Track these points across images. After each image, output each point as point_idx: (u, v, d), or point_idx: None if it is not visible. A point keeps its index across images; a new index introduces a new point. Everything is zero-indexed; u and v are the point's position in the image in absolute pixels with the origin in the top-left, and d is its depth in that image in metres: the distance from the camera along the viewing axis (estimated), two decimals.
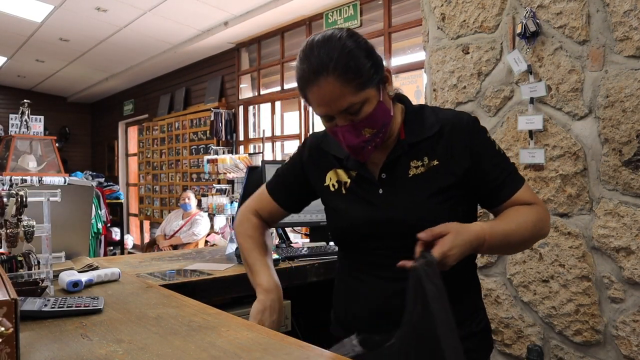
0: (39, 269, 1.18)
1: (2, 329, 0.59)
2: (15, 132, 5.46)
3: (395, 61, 4.09)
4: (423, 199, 1.03)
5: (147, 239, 7.56)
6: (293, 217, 2.01)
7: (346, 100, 0.95)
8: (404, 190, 1.04)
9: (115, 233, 6.62)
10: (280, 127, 5.40)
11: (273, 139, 5.40)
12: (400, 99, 1.11)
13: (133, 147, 8.70)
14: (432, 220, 0.96)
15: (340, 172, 1.12)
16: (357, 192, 1.09)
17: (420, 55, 3.80)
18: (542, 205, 1.07)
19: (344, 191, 1.10)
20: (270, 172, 1.99)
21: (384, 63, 1.03)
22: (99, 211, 5.53)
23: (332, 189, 1.13)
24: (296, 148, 1.26)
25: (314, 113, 1.04)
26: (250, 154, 5.23)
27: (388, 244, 1.04)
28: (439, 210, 1.02)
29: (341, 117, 0.98)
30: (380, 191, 1.06)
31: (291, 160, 1.25)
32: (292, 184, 1.22)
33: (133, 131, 8.70)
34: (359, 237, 1.08)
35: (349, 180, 1.10)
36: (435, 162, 1.04)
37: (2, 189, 1.15)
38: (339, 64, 0.94)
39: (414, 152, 1.05)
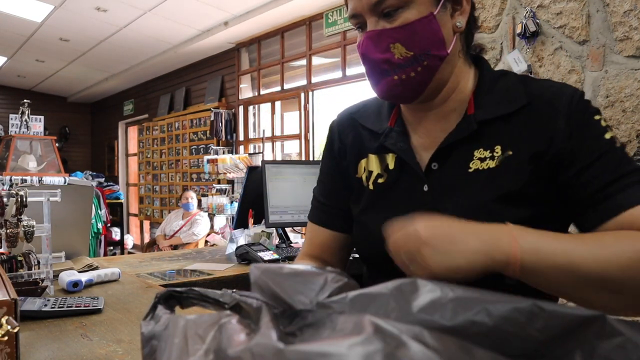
0: (39, 269, 1.17)
1: (9, 327, 0.59)
2: (15, 132, 5.45)
3: None
4: (474, 207, 0.70)
5: (147, 239, 7.56)
6: (293, 217, 2.01)
7: None
8: (458, 191, 0.73)
9: (115, 233, 6.62)
10: (280, 127, 5.40)
11: (273, 139, 5.40)
12: (477, 60, 0.79)
13: (133, 147, 8.70)
14: None
15: (373, 158, 0.81)
16: (394, 190, 0.78)
17: None
18: None
19: (371, 186, 0.81)
20: (270, 172, 1.98)
21: None
22: (99, 211, 5.52)
23: (364, 183, 0.82)
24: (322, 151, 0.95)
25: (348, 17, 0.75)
26: (250, 154, 5.23)
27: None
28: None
29: (372, 18, 0.71)
30: (426, 188, 0.74)
31: (321, 166, 0.92)
32: (334, 193, 0.89)
33: (133, 131, 8.70)
34: (386, 257, 0.65)
35: (384, 173, 0.79)
36: (510, 152, 0.71)
37: (2, 189, 1.15)
38: None
39: (483, 135, 0.72)
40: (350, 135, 0.86)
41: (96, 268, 1.42)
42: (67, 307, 1.00)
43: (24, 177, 4.40)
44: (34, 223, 1.14)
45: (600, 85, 1.59)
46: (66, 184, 2.18)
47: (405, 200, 0.76)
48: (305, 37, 4.87)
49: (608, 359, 0.35)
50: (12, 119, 5.52)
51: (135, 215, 8.33)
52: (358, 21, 0.73)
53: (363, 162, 0.83)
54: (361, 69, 4.39)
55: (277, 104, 5.41)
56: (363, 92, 4.58)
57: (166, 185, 7.04)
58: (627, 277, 0.56)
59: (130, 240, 7.34)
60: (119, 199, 7.21)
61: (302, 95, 4.93)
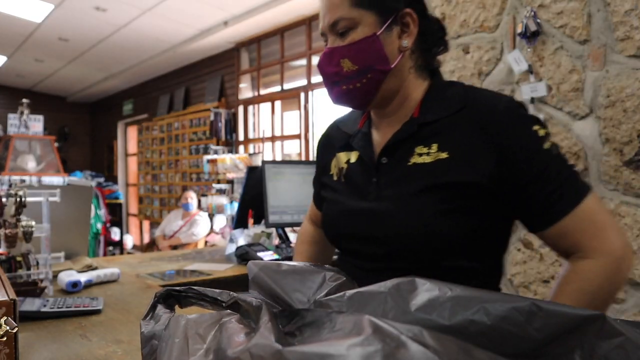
0: (38, 269, 1.17)
1: (8, 328, 0.59)
2: (15, 132, 5.45)
3: None
4: (410, 194, 0.81)
5: (146, 239, 7.55)
6: (293, 217, 2.01)
7: (338, 12, 0.81)
8: (397, 181, 0.83)
9: (115, 233, 6.61)
10: (280, 127, 5.40)
11: (273, 139, 5.40)
12: (432, 74, 0.90)
13: (132, 147, 8.69)
14: (420, 226, 0.78)
15: (342, 155, 0.94)
16: (352, 180, 0.90)
17: None
18: (611, 254, 0.74)
19: (342, 179, 0.93)
20: (270, 172, 1.98)
21: (411, 10, 0.84)
22: (98, 211, 5.52)
23: (334, 178, 0.95)
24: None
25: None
26: (250, 154, 5.23)
27: (370, 249, 0.84)
28: (430, 214, 0.78)
29: (331, 37, 0.84)
30: (374, 179, 0.86)
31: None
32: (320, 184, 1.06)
33: (132, 131, 8.70)
34: (340, 235, 0.91)
35: (345, 166, 0.93)
36: (445, 155, 0.80)
37: (1, 189, 1.15)
38: None
39: (424, 135, 0.83)
40: (331, 140, 1.01)
41: (95, 268, 1.42)
42: (66, 307, 1.00)
43: (23, 177, 4.40)
44: (33, 223, 1.13)
45: (601, 85, 1.59)
46: (65, 184, 2.17)
47: (359, 190, 0.88)
48: (305, 36, 4.86)
49: (608, 359, 0.35)
50: (11, 118, 5.51)
51: (135, 215, 8.33)
52: (325, 39, 0.87)
53: (334, 160, 0.96)
54: None
55: (277, 103, 5.41)
56: None
57: (166, 186, 7.04)
58: (598, 306, 0.73)
59: (129, 241, 7.34)
60: (118, 199, 7.21)
61: (302, 95, 4.93)
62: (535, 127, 0.78)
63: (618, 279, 0.75)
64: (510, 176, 0.77)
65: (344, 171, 0.92)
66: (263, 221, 2.01)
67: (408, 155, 0.83)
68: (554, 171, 0.76)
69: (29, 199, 1.14)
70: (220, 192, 5.27)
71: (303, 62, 4.94)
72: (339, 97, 0.86)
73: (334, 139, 0.99)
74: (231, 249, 1.93)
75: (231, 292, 0.49)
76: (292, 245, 2.04)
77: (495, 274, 0.91)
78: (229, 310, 0.47)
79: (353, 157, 0.92)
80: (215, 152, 5.61)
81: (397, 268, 0.74)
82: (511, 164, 0.77)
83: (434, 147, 0.81)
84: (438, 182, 0.79)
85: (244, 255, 1.75)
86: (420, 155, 0.82)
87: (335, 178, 0.95)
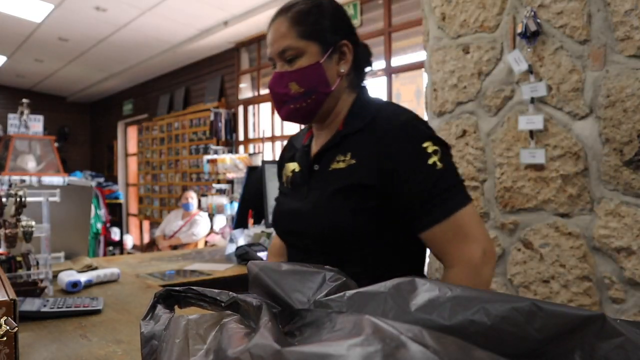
0: (38, 269, 1.17)
1: (8, 328, 0.59)
2: (15, 132, 5.45)
3: (395, 61, 4.08)
4: (325, 196, 0.94)
5: (146, 239, 7.55)
6: None
7: (286, 41, 0.95)
8: (320, 185, 0.97)
9: (115, 233, 6.62)
10: (280, 127, 5.40)
11: (273, 139, 5.40)
12: (360, 92, 1.03)
13: (132, 147, 8.69)
14: (331, 222, 0.91)
15: (289, 165, 1.09)
16: (295, 185, 1.05)
17: (420, 55, 3.80)
18: (472, 262, 0.85)
19: (289, 185, 1.08)
20: (270, 172, 1.98)
21: (351, 43, 0.99)
22: (98, 211, 5.52)
23: (285, 185, 1.10)
24: None
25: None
26: (250, 154, 5.23)
27: (301, 241, 0.99)
28: (339, 213, 0.91)
29: (279, 62, 0.98)
30: (307, 184, 1.01)
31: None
32: None
33: (132, 131, 8.70)
34: (282, 231, 1.08)
35: (291, 174, 1.07)
36: (354, 161, 0.93)
37: (1, 189, 1.15)
38: (295, 9, 0.98)
39: (344, 145, 0.97)
40: (285, 155, 1.14)
41: (95, 268, 1.42)
42: (66, 307, 0.99)
43: (23, 177, 4.40)
44: (33, 223, 1.13)
45: (601, 85, 1.59)
46: (65, 184, 2.17)
47: (298, 193, 1.02)
48: None
49: (608, 359, 0.35)
50: (11, 118, 5.51)
51: (135, 215, 8.32)
52: (273, 63, 1.01)
53: (284, 170, 1.11)
54: None
55: None
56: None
57: (166, 186, 7.04)
58: None
59: (129, 241, 7.34)
60: (118, 199, 7.21)
61: None
62: (426, 144, 0.90)
63: (477, 285, 0.84)
64: (395, 184, 0.89)
65: (289, 179, 1.07)
66: (263, 221, 2.01)
67: (330, 162, 0.97)
68: (432, 184, 0.87)
69: (29, 199, 1.14)
70: (220, 192, 5.27)
71: None
72: (287, 115, 1.00)
73: (287, 152, 1.15)
74: (231, 249, 1.93)
75: (230, 292, 0.49)
76: None
77: (406, 266, 0.99)
78: (229, 312, 0.47)
79: (297, 167, 1.06)
80: (215, 152, 5.60)
81: (323, 259, 0.88)
82: (396, 172, 0.89)
83: (349, 155, 0.95)
84: (346, 185, 0.92)
85: (244, 255, 1.75)
86: (338, 162, 0.96)
87: (285, 185, 1.10)
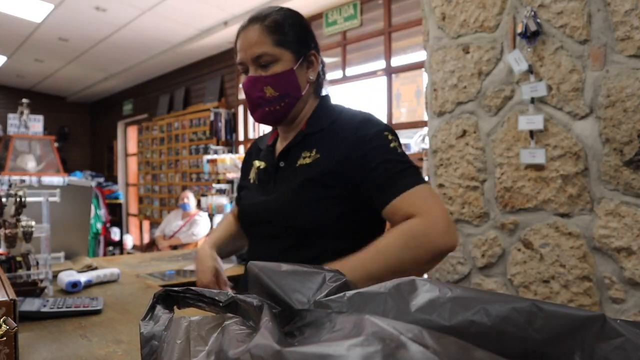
0: (38, 269, 1.17)
1: (8, 328, 0.59)
2: (15, 132, 5.45)
3: (395, 61, 4.08)
4: (293, 188, 1.03)
5: (146, 239, 7.55)
6: None
7: (262, 48, 1.02)
8: (287, 179, 1.06)
9: (115, 233, 6.62)
10: None
11: None
12: (322, 99, 1.15)
13: (132, 147, 8.69)
14: (297, 212, 1.00)
15: (256, 163, 1.18)
16: (261, 181, 1.14)
17: (420, 55, 3.80)
18: (430, 215, 0.92)
19: (255, 181, 1.16)
20: None
21: (318, 55, 1.11)
22: (98, 211, 5.52)
23: (250, 181, 1.18)
24: None
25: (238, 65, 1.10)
26: None
27: (266, 231, 1.07)
28: (305, 203, 1.01)
29: (253, 66, 1.04)
30: (273, 179, 1.09)
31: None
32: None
33: (132, 131, 8.69)
34: (248, 222, 1.15)
35: (257, 171, 1.16)
36: (319, 155, 1.03)
37: (1, 189, 1.15)
38: (270, 18, 1.05)
39: (309, 143, 1.06)
40: (250, 155, 1.24)
41: (95, 268, 1.42)
42: (66, 307, 0.99)
43: (23, 177, 4.40)
44: (33, 223, 1.13)
45: (601, 85, 1.59)
46: (65, 184, 2.17)
47: (264, 188, 1.11)
48: None
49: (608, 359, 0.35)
50: (11, 118, 5.51)
51: (135, 215, 8.32)
52: (244, 67, 1.07)
53: (253, 167, 1.19)
54: (361, 68, 4.39)
55: None
56: (363, 91, 4.57)
57: (166, 186, 7.04)
58: (405, 269, 0.89)
59: (129, 241, 7.35)
60: (118, 199, 7.21)
61: None
62: (385, 133, 1.01)
63: (433, 233, 0.90)
64: (363, 167, 0.98)
65: (256, 175, 1.16)
66: None
67: (297, 159, 1.06)
68: (395, 162, 0.97)
69: (29, 199, 1.14)
70: (220, 192, 5.26)
71: None
72: (262, 117, 1.07)
73: (253, 152, 1.23)
74: None
75: (229, 292, 0.49)
76: None
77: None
78: (231, 314, 0.47)
79: (262, 164, 1.15)
80: (215, 152, 5.60)
81: (284, 245, 1.01)
82: (364, 156, 0.98)
83: (314, 151, 1.04)
84: (311, 176, 1.01)
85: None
86: (304, 158, 1.05)
87: (251, 181, 1.18)
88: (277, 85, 1.03)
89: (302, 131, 1.08)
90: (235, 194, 5.31)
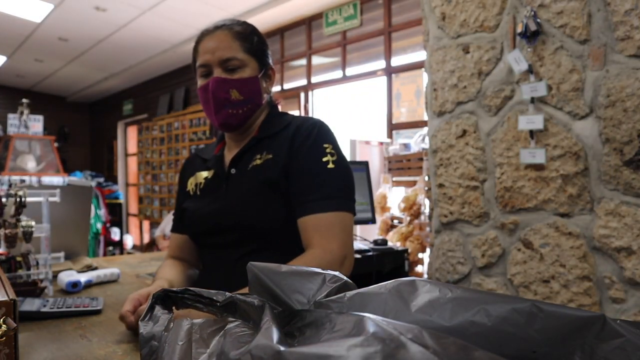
0: (37, 269, 1.17)
1: (7, 328, 0.59)
2: (15, 132, 5.44)
3: (395, 61, 4.08)
4: (245, 190, 1.04)
5: (146, 239, 7.55)
6: None
7: (231, 52, 1.05)
8: (240, 184, 1.07)
9: (115, 233, 6.62)
10: None
11: None
12: (272, 108, 1.18)
13: (132, 147, 8.69)
14: (248, 216, 1.00)
15: (199, 174, 1.17)
16: (208, 191, 1.13)
17: (420, 55, 3.80)
18: (325, 251, 0.94)
19: (198, 192, 1.15)
20: None
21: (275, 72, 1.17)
22: (98, 211, 5.52)
23: (191, 193, 1.17)
24: None
25: (197, 68, 1.10)
26: None
27: (219, 239, 1.06)
28: (255, 207, 1.01)
29: (219, 69, 1.06)
30: (224, 186, 1.09)
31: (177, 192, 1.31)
32: (180, 210, 1.21)
33: (132, 131, 8.69)
34: (198, 232, 1.12)
35: (203, 181, 1.15)
36: (270, 156, 1.06)
37: (1, 189, 1.15)
38: (239, 27, 1.09)
39: (260, 146, 1.09)
40: (189, 168, 1.23)
41: (95, 268, 1.42)
42: (66, 307, 0.99)
43: (23, 177, 4.39)
44: (33, 223, 1.13)
45: (601, 84, 1.59)
46: (65, 184, 2.17)
47: (213, 197, 1.10)
48: (305, 36, 4.86)
49: None
50: (11, 118, 5.50)
51: (135, 215, 8.32)
52: (206, 70, 1.07)
53: (192, 179, 1.19)
54: (361, 68, 4.39)
55: None
56: (363, 91, 4.57)
57: (165, 186, 7.04)
58: None
59: (129, 241, 7.34)
60: (118, 199, 7.21)
61: (302, 94, 4.93)
62: (326, 145, 1.04)
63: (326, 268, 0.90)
64: (291, 173, 1.02)
65: (200, 185, 1.15)
66: None
67: (249, 163, 1.08)
68: (322, 180, 1.00)
69: (29, 199, 1.14)
70: None
71: (303, 62, 4.94)
72: (224, 119, 1.08)
73: (194, 164, 1.23)
74: None
75: (227, 292, 0.49)
76: None
77: None
78: (233, 318, 0.47)
79: (210, 174, 1.15)
80: None
81: (240, 251, 1.01)
82: (295, 164, 1.02)
83: (265, 152, 1.07)
84: (262, 179, 1.03)
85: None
86: (256, 160, 1.07)
87: (191, 193, 1.17)
88: (243, 89, 1.06)
89: (255, 136, 1.11)
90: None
